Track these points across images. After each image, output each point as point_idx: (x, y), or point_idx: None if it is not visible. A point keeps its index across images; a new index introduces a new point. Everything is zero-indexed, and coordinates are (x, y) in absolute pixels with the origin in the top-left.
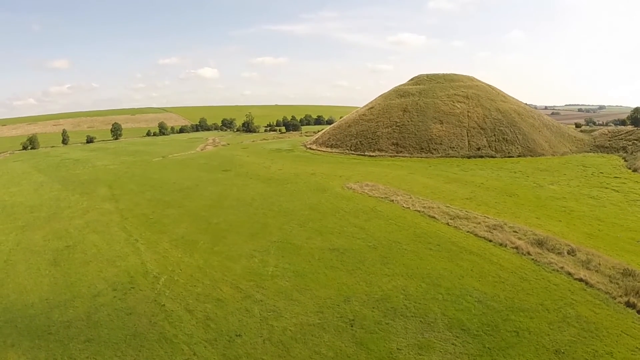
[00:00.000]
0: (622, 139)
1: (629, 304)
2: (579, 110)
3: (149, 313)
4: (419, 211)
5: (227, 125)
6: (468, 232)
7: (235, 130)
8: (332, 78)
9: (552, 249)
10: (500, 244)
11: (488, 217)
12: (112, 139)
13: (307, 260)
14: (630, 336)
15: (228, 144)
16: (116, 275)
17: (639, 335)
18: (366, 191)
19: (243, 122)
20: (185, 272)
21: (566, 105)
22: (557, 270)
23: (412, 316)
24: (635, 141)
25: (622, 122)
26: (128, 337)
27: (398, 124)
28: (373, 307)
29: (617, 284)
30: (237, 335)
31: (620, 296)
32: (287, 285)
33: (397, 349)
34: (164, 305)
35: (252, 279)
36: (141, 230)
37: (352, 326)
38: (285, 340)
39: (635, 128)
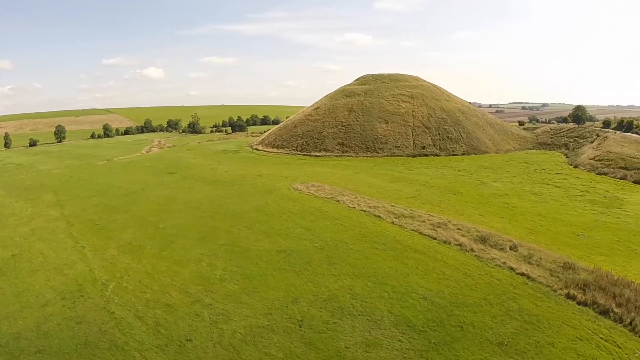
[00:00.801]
0: (563, 136)
1: (569, 296)
2: (523, 108)
3: (99, 321)
4: (364, 211)
5: (172, 126)
6: (413, 230)
7: (181, 131)
8: (280, 78)
9: (494, 245)
10: (445, 242)
11: (432, 215)
12: (55, 141)
13: (255, 263)
14: (570, 326)
15: (174, 146)
16: (64, 283)
17: (579, 326)
18: (312, 192)
19: (189, 122)
20: (134, 278)
21: (510, 103)
22: (500, 266)
23: (359, 315)
24: (576, 138)
25: (564, 120)
26: (79, 346)
27: (344, 124)
28: (321, 307)
29: (558, 277)
30: (187, 340)
31: (561, 289)
32: (235, 288)
33: (345, 347)
34: (113, 312)
35: (200, 283)
36: (88, 236)
37: (300, 327)
38: (235, 343)
39: (577, 125)
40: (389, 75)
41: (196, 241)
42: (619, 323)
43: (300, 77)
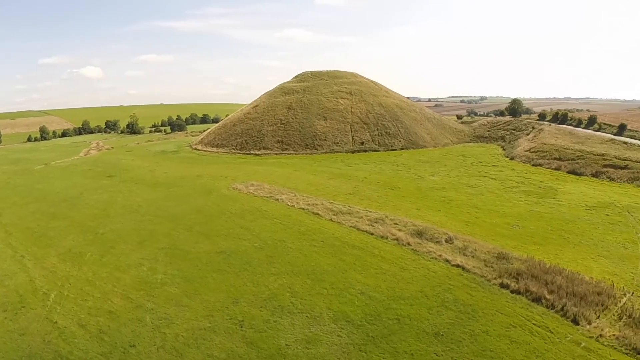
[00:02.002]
0: (500, 129)
1: (503, 285)
2: (462, 101)
3: (42, 332)
4: (303, 209)
5: (111, 127)
6: (351, 226)
7: (119, 132)
8: (219, 75)
9: (431, 239)
10: (382, 237)
11: (370, 211)
12: None
13: (195, 265)
14: (504, 314)
15: (112, 148)
16: (5, 295)
17: (512, 313)
18: (252, 191)
19: (128, 123)
20: (75, 287)
21: (450, 97)
22: (436, 258)
23: (298, 312)
24: (512, 131)
25: (501, 113)
26: (23, 358)
27: (283, 122)
28: (261, 307)
29: (492, 267)
30: (131, 346)
31: (495, 278)
32: (176, 292)
33: (286, 345)
34: (56, 322)
35: (142, 288)
36: (27, 245)
37: (241, 327)
38: (178, 346)
39: (513, 118)
40: (327, 72)
41: (136, 246)
42: (551, 309)
43: (240, 75)
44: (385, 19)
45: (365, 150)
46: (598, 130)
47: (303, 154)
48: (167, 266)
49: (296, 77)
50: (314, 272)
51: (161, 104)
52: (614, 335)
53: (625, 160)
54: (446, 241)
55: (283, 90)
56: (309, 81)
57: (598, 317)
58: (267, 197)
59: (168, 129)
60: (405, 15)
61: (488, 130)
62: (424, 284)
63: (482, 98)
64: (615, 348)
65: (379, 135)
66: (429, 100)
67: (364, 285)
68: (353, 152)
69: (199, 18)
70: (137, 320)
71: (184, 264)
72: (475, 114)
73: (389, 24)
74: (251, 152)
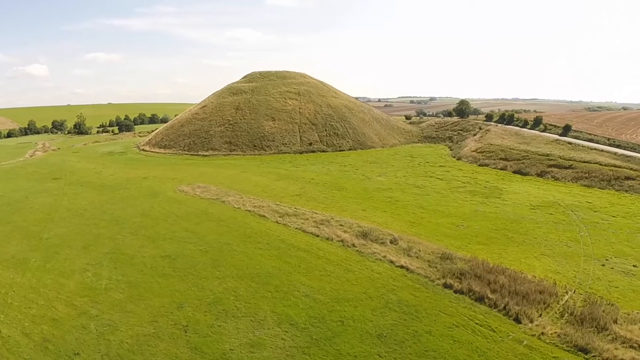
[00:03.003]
0: (448, 129)
1: (446, 285)
2: (411, 102)
3: None
4: (249, 211)
5: (57, 127)
6: (296, 228)
7: (66, 132)
8: (168, 75)
9: (375, 240)
10: (327, 238)
11: (316, 213)
12: None
13: (140, 270)
14: (447, 314)
15: (59, 149)
16: None
17: (455, 313)
18: (198, 193)
19: (75, 123)
20: (19, 294)
21: (400, 97)
22: (380, 260)
23: (242, 316)
24: (460, 131)
25: (449, 114)
26: None
27: (231, 122)
28: (205, 311)
29: (436, 267)
30: (75, 354)
31: (439, 279)
32: (121, 298)
33: (230, 349)
34: (0, 331)
35: (86, 295)
36: None
37: (186, 332)
38: (122, 353)
39: (461, 119)
40: (276, 72)
41: (81, 251)
42: (494, 308)
43: (189, 74)
44: (336, 20)
45: (313, 151)
46: (544, 130)
47: (251, 154)
48: (112, 271)
49: (245, 77)
50: (258, 275)
51: (109, 103)
52: (555, 332)
53: (569, 160)
54: (391, 242)
55: (231, 90)
56: (258, 81)
57: (540, 315)
58: (214, 199)
59: (116, 129)
60: (357, 17)
61: (436, 131)
62: (368, 285)
63: (432, 98)
64: (557, 345)
65: (327, 136)
66: (379, 100)
67: (309, 288)
68: (301, 152)
69: (148, 16)
70: (82, 328)
71: (128, 269)
72: (424, 115)
73: (340, 25)
74: (199, 153)
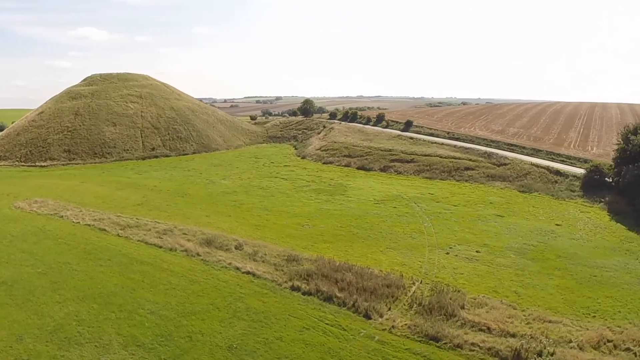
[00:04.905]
0: (293, 128)
1: (294, 288)
2: (257, 102)
3: None
4: (89, 225)
5: None
6: (139, 241)
7: None
8: (7, 77)
9: (220, 247)
10: (170, 249)
11: (159, 222)
12: None
13: None
14: (297, 318)
15: None
16: None
17: (305, 316)
18: (35, 209)
19: None
20: None
21: (246, 97)
22: (226, 267)
23: (86, 342)
24: (304, 130)
25: (294, 113)
26: None
27: (70, 129)
28: (47, 341)
29: (283, 270)
30: None
31: (286, 282)
32: None
33: None
34: None
35: None
36: None
37: None
38: None
39: (305, 118)
40: (117, 74)
41: None
42: (343, 307)
43: (30, 76)
44: (184, 20)
45: (156, 156)
46: (386, 127)
47: (92, 163)
48: None
49: (84, 80)
50: (100, 295)
51: None
52: (406, 325)
53: (411, 154)
54: (236, 248)
55: (70, 94)
56: (98, 84)
57: (389, 309)
58: (52, 214)
59: None
60: (207, 16)
61: (281, 131)
62: (215, 295)
63: (278, 98)
64: (408, 337)
65: (170, 139)
66: (225, 101)
67: (154, 304)
68: (144, 158)
69: None
70: None
71: None
72: (270, 114)
73: (189, 24)
74: (36, 164)
